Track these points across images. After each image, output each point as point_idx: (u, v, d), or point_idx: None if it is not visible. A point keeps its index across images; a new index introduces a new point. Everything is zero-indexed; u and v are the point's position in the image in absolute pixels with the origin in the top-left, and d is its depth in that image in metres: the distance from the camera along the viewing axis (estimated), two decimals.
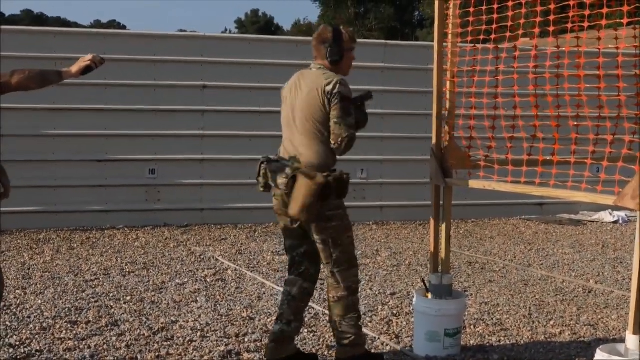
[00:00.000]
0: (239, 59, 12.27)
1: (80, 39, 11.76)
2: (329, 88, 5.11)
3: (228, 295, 7.63)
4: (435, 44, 5.90)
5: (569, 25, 5.29)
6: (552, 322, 6.86)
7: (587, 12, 5.07)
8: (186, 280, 8.28)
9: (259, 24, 76.09)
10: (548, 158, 5.33)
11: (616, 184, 4.63)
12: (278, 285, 8.00)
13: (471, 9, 5.79)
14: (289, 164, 5.21)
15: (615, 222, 13.26)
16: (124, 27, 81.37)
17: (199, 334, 6.34)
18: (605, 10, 4.99)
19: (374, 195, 12.98)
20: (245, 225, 11.99)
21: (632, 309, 4.45)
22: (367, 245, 10.70)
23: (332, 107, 5.12)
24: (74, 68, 4.89)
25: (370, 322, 6.78)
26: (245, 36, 16.11)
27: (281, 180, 5.19)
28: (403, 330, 6.54)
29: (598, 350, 4.59)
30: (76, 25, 67.54)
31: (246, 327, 6.56)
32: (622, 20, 4.95)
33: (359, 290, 5.54)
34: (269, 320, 6.74)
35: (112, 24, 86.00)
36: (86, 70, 4.91)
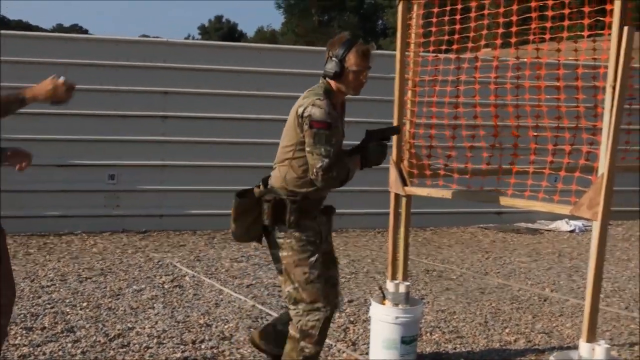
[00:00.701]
0: (201, 65, 12.19)
1: (44, 43, 11.61)
2: (300, 110, 4.66)
3: (185, 302, 7.55)
4: (398, 53, 5.88)
5: (531, 37, 5.31)
6: (507, 330, 6.88)
7: (548, 24, 5.09)
8: (143, 286, 8.19)
9: (223, 30, 75.99)
10: (507, 167, 5.34)
11: (573, 194, 4.65)
12: (236, 292, 7.94)
13: (434, 19, 5.79)
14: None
15: (572, 231, 13.35)
16: (86, 32, 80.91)
17: (155, 340, 6.27)
18: (566, 23, 5.01)
19: (332, 204, 12.90)
20: (204, 231, 11.90)
21: (586, 317, 4.47)
22: None
23: (304, 133, 4.64)
24: (41, 95, 4.35)
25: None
26: (208, 42, 16.05)
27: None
28: (360, 337, 6.52)
29: (551, 358, 4.59)
30: (37, 29, 66.93)
31: (203, 334, 6.50)
32: (582, 33, 4.98)
33: (320, 342, 4.85)
34: (226, 327, 6.69)
35: (75, 28, 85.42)
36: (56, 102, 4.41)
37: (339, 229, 12.76)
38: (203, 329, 6.64)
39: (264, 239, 4.92)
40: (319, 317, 4.77)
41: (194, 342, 6.23)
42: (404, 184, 5.85)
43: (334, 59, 4.71)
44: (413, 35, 5.85)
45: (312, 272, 4.76)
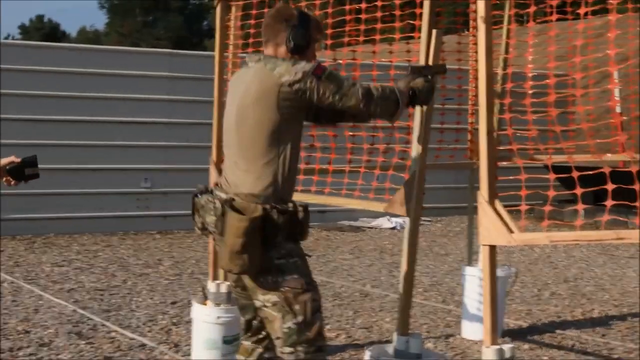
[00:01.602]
0: (20, 66, 11.80)
1: None
2: (285, 79, 3.69)
3: (3, 309, 7.30)
4: (217, 54, 5.89)
5: (346, 39, 5.42)
6: (328, 327, 6.99)
7: (362, 27, 5.22)
8: None
9: (44, 30, 73.77)
10: (324, 167, 5.43)
11: (387, 192, 4.78)
12: (56, 297, 7.75)
13: (252, 21, 5.83)
14: (223, 195, 3.80)
15: (393, 228, 13.70)
16: None
17: None
18: (379, 26, 5.16)
19: (157, 204, 12.83)
20: (24, 236, 11.52)
21: (400, 311, 4.62)
22: (150, 254, 10.55)
23: (309, 95, 3.71)
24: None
25: (150, 331, 6.69)
26: (28, 42, 15.58)
27: (209, 218, 3.83)
28: (183, 338, 6.49)
29: (366, 351, 4.70)
30: None
31: (21, 340, 6.31)
32: (394, 35, 5.13)
33: None
34: (45, 333, 6.52)
35: None
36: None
37: (164, 230, 12.65)
38: (21, 335, 6.45)
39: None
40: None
41: (11, 350, 6.04)
42: None
43: (300, 29, 3.83)
44: (232, 37, 5.87)
45: (318, 300, 3.82)
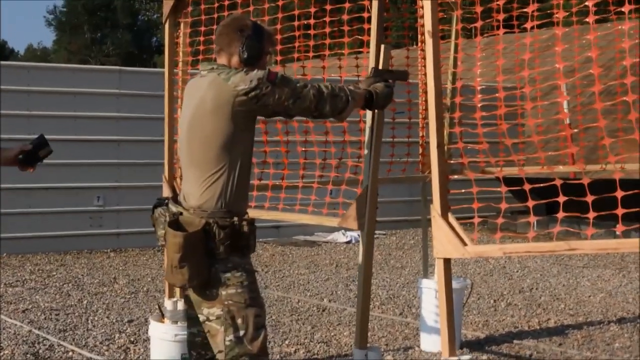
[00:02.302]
0: None
1: None
2: (240, 89, 3.67)
3: None
4: (166, 71, 5.90)
5: (296, 55, 5.47)
6: (287, 342, 7.01)
7: (311, 43, 5.27)
8: None
9: None
10: (277, 183, 5.46)
11: (340, 206, 4.82)
12: (11, 318, 7.69)
13: (201, 38, 5.85)
14: (173, 209, 3.84)
15: (349, 242, 13.74)
16: None
17: None
18: (328, 41, 5.21)
19: (110, 223, 12.76)
20: None
21: (358, 324, 4.64)
22: (105, 273, 10.48)
23: (264, 101, 3.70)
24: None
25: (107, 350, 6.66)
26: None
27: (160, 231, 3.88)
28: (141, 357, 6.47)
29: None
30: None
31: None
32: (343, 51, 5.18)
33: None
34: (1, 354, 6.46)
35: None
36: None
37: (117, 248, 12.58)
38: None
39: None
40: None
41: None
42: (176, 201, 5.84)
43: (253, 40, 3.82)
44: (181, 53, 5.89)
45: (263, 315, 3.83)
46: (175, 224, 3.73)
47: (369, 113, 4.39)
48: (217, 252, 3.69)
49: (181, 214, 3.77)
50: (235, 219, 3.75)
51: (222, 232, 3.69)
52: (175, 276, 3.69)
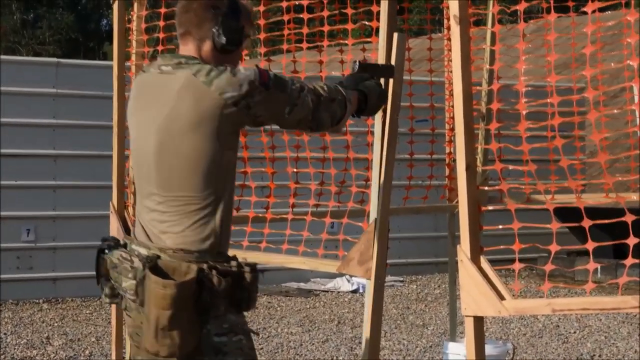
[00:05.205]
0: None
1: None
2: (227, 95, 3.58)
3: None
4: (115, 65, 5.87)
5: (285, 46, 5.47)
6: None
7: (305, 30, 5.27)
8: None
9: None
10: (260, 214, 5.43)
11: (341, 245, 4.77)
12: None
13: (161, 22, 5.80)
14: (144, 251, 3.69)
15: (355, 291, 13.67)
16: None
17: None
18: (326, 28, 5.21)
19: (45, 264, 12.69)
20: None
21: None
22: (35, 331, 10.44)
23: (256, 112, 3.67)
24: None
25: None
26: None
27: (127, 282, 3.66)
28: None
29: None
30: None
31: None
32: (346, 41, 5.18)
33: None
34: None
35: None
36: None
37: (53, 298, 12.53)
38: None
39: None
40: None
41: None
42: (128, 234, 5.84)
43: (230, 18, 3.73)
44: (134, 43, 5.85)
45: None
46: (157, 270, 3.60)
47: (377, 123, 4.37)
48: (212, 309, 3.60)
49: (158, 257, 3.64)
50: (234, 263, 3.68)
51: (223, 281, 3.60)
52: (161, 342, 3.56)
